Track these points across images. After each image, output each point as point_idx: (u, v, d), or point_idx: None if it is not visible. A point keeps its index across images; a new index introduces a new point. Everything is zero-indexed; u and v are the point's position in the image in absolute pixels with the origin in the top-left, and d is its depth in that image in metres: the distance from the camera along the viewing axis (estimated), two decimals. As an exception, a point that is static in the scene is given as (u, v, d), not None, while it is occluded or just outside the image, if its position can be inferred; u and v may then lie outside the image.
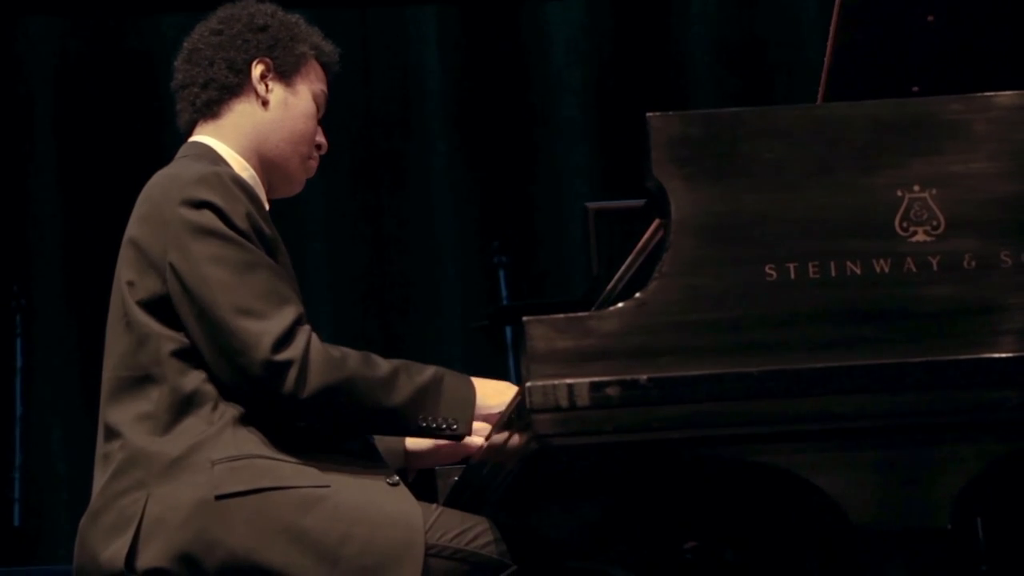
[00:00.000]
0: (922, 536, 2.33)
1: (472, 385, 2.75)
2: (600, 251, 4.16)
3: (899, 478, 2.33)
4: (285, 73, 2.89)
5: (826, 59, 2.87)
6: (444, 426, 2.71)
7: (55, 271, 6.89)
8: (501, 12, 7.34)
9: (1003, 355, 2.32)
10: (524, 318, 2.32)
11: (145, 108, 6.60)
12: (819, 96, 2.88)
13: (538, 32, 7.35)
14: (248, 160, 2.86)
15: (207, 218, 2.66)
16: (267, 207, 2.82)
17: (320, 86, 2.94)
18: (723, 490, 2.70)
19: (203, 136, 2.88)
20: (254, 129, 2.87)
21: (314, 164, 2.95)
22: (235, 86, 2.87)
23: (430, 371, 2.72)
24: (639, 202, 2.63)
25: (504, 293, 6.58)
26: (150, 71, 6.75)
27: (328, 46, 2.97)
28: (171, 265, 2.66)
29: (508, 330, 6.14)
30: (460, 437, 2.74)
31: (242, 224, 2.67)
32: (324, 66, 2.96)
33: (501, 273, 6.63)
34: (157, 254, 2.68)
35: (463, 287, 7.12)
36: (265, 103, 2.87)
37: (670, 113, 2.40)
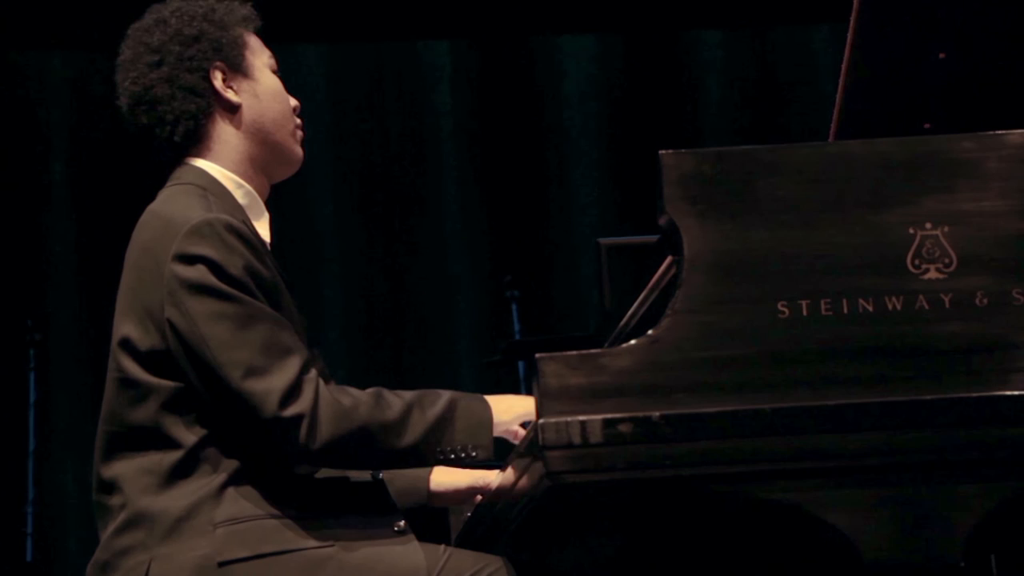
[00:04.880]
0: (935, 573, 2.32)
1: (488, 407, 2.71)
2: (612, 286, 4.17)
3: (912, 515, 2.33)
4: (238, 65, 2.83)
5: (838, 96, 2.87)
6: (464, 455, 2.68)
7: (69, 306, 6.90)
8: (514, 46, 7.36)
9: (1016, 392, 2.32)
10: (537, 355, 2.33)
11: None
12: (831, 133, 2.88)
13: (551, 66, 7.37)
14: (244, 173, 2.80)
15: (202, 274, 2.60)
16: (268, 217, 2.80)
17: (266, 54, 2.90)
18: (736, 527, 2.70)
19: (194, 160, 2.81)
20: (240, 138, 2.81)
21: (301, 132, 2.90)
22: (206, 106, 2.80)
23: (444, 400, 2.68)
24: (652, 237, 2.63)
25: (517, 327, 6.58)
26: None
27: (248, 11, 2.91)
28: (169, 322, 2.61)
29: (521, 364, 6.14)
30: (482, 462, 2.71)
31: (239, 275, 2.61)
32: (256, 33, 2.90)
33: (514, 307, 6.63)
34: (155, 309, 2.63)
35: (476, 320, 7.12)
36: (239, 105, 2.81)
37: (682, 151, 2.40)
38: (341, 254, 7.12)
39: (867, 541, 2.32)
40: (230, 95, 2.81)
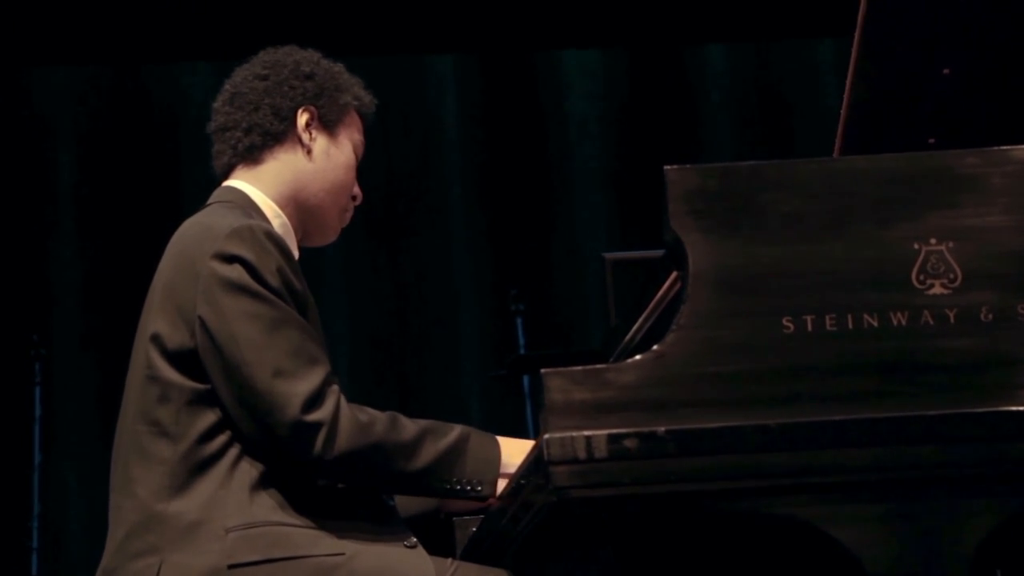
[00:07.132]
0: (941, 589, 2.32)
1: (497, 445, 2.74)
2: (618, 301, 4.17)
3: (917, 531, 2.33)
4: (329, 123, 2.90)
5: (842, 111, 2.88)
6: (468, 488, 2.70)
7: (74, 320, 6.91)
8: (518, 60, 7.38)
9: (1020, 408, 2.32)
10: (542, 370, 2.33)
11: (164, 160, 6.65)
12: (836, 148, 2.89)
13: (555, 81, 7.39)
14: (283, 208, 2.86)
15: (239, 273, 2.63)
16: (298, 255, 2.83)
17: (359, 137, 2.96)
18: (742, 542, 2.70)
19: (239, 181, 2.87)
20: (294, 177, 2.87)
21: (349, 215, 2.97)
22: (279, 133, 2.87)
23: (455, 433, 2.71)
24: (657, 252, 2.64)
25: (521, 341, 6.59)
26: (170, 123, 6.79)
27: (367, 97, 2.99)
28: (200, 319, 2.63)
29: (526, 379, 6.14)
30: (484, 498, 2.73)
31: (273, 280, 2.64)
32: (362, 117, 2.98)
33: (518, 321, 6.64)
34: (187, 306, 2.65)
35: (480, 335, 7.13)
36: (308, 152, 2.87)
37: (687, 166, 2.41)
38: (344, 269, 7.13)
39: (872, 556, 2.31)
40: (305, 138, 2.88)
